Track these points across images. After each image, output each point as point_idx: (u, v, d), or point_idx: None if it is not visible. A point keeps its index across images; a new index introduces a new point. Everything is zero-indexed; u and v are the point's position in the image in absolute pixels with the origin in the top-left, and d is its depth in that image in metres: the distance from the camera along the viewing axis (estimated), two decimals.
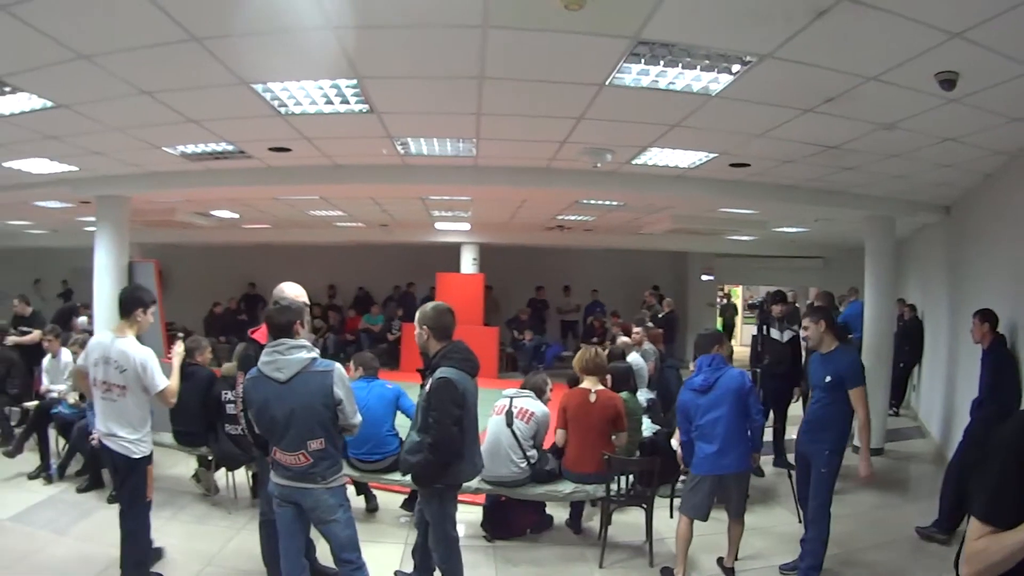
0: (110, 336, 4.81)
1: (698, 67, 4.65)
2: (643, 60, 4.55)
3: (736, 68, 4.62)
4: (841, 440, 5.29)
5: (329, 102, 5.79)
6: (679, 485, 6.05)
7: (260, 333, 4.56)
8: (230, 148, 7.57)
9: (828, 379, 5.28)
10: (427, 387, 4.26)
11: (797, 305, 10.40)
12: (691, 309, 18.93)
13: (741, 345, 19.35)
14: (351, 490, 6.47)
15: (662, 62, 4.59)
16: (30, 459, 7.60)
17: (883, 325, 9.45)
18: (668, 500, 6.20)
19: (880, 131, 5.89)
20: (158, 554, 5.35)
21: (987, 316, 6.33)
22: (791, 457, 6.61)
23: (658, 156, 7.60)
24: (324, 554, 4.46)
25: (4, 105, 5.75)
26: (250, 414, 4.18)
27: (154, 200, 10.79)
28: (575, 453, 5.93)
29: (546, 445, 6.14)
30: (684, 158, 7.64)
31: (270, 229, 16.30)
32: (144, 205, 10.83)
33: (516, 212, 13.03)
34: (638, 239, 16.31)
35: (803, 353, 7.67)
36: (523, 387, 6.20)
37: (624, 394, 6.46)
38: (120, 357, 4.67)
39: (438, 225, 15.40)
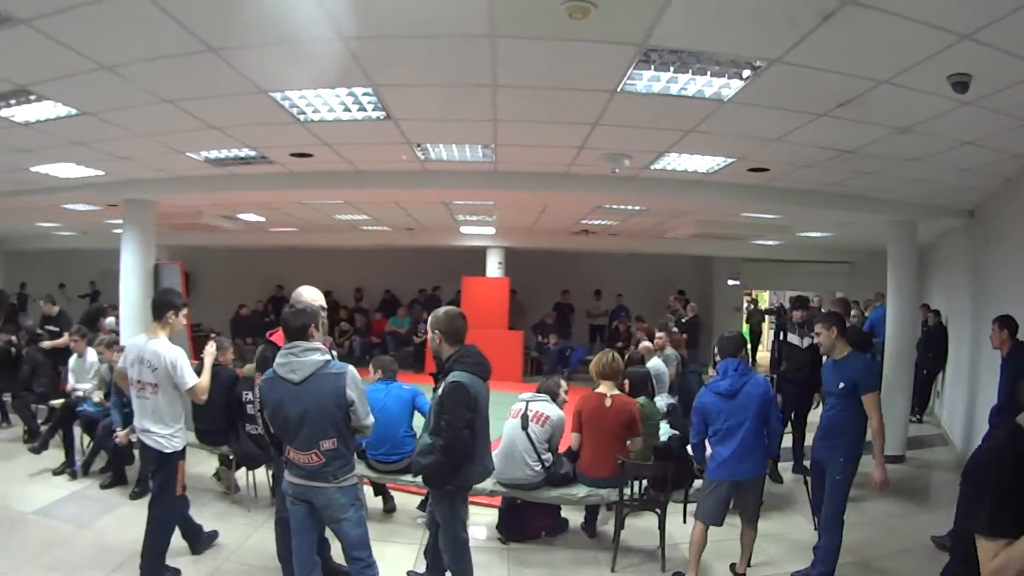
0: (144, 338, 5.11)
1: (708, 72, 4.68)
2: (653, 66, 4.60)
3: (746, 73, 4.64)
4: (856, 447, 5.25)
5: (347, 109, 5.89)
6: (692, 490, 6.06)
7: (278, 335, 4.64)
8: (253, 154, 7.71)
9: (841, 385, 5.25)
10: (440, 391, 4.31)
11: (823, 310, 10.34)
12: (717, 314, 18.86)
13: (767, 350, 19.21)
14: (369, 490, 6.59)
15: (672, 68, 4.63)
16: (55, 456, 7.76)
17: (906, 330, 9.36)
18: (682, 505, 6.22)
19: (896, 135, 5.86)
20: (212, 536, 5.70)
21: (1006, 323, 6.26)
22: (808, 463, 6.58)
23: (676, 161, 7.62)
24: (338, 553, 4.52)
25: (30, 112, 5.94)
26: (265, 414, 4.27)
27: (180, 204, 10.95)
28: (589, 457, 5.95)
29: (562, 449, 6.17)
30: (702, 163, 7.65)
31: (297, 232, 16.46)
32: (171, 208, 10.99)
33: (539, 216, 13.09)
34: (663, 243, 16.26)
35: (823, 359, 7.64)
36: (538, 391, 6.24)
37: (641, 399, 6.46)
38: (152, 357, 4.96)
39: (463, 229, 15.46)
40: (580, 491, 5.92)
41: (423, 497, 6.60)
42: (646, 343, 9.54)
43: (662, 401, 7.95)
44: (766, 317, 23.90)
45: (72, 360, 8.39)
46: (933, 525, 6.23)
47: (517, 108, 5.81)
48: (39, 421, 8.78)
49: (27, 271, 18.95)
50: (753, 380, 5.14)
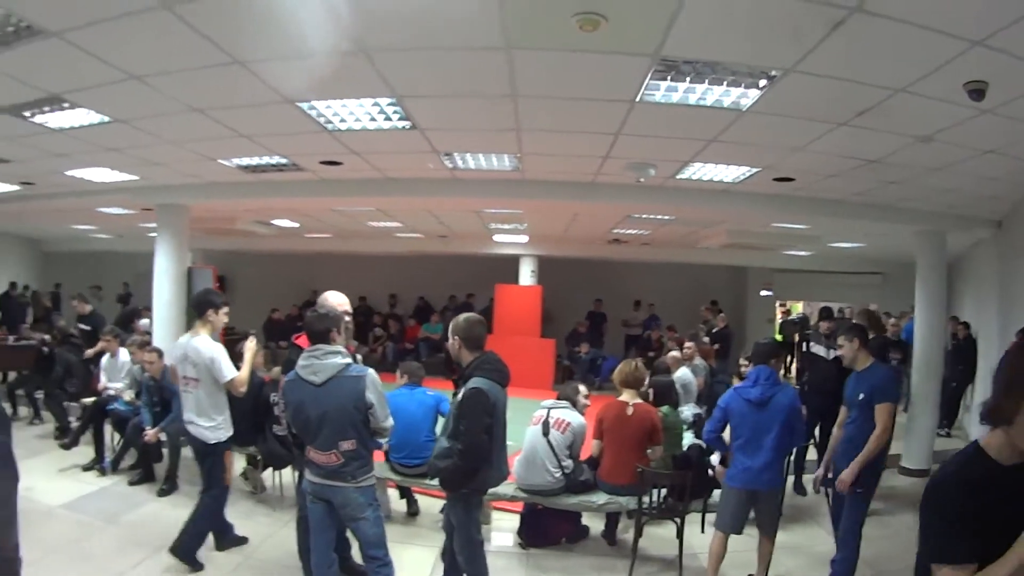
0: (187, 336, 5.49)
1: (724, 82, 4.72)
2: (669, 77, 4.65)
3: (763, 83, 4.67)
4: (876, 461, 5.23)
5: (373, 119, 6.01)
6: (711, 500, 6.06)
7: (303, 338, 4.77)
8: (283, 161, 7.86)
9: (861, 396, 5.22)
10: (459, 396, 4.38)
11: (855, 322, 10.26)
12: (749, 325, 18.72)
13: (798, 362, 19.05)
14: (394, 493, 6.68)
15: (688, 78, 4.67)
16: (85, 452, 7.95)
17: (933, 342, 9.24)
18: (700, 515, 6.22)
19: (917, 144, 5.84)
20: (241, 541, 5.83)
21: None
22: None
23: (701, 171, 7.64)
24: (358, 553, 4.64)
25: (64, 119, 6.15)
26: (287, 414, 4.39)
27: (214, 208, 11.12)
28: (610, 464, 5.99)
29: (583, 456, 6.21)
30: (727, 173, 7.66)
31: (331, 238, 16.62)
32: (204, 213, 11.17)
33: (570, 225, 13.14)
34: (696, 253, 16.20)
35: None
36: (558, 398, 6.29)
37: (664, 408, 6.49)
38: (193, 353, 5.33)
39: (496, 237, 15.54)
40: (600, 498, 5.95)
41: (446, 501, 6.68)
42: (674, 353, 9.55)
43: (689, 411, 7.97)
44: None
45: (104, 360, 8.59)
46: None
47: (539, 118, 5.89)
48: (71, 419, 8.97)
49: (64, 272, 19.33)
50: (783, 392, 5.13)
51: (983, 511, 1.94)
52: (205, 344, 5.34)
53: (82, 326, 10.84)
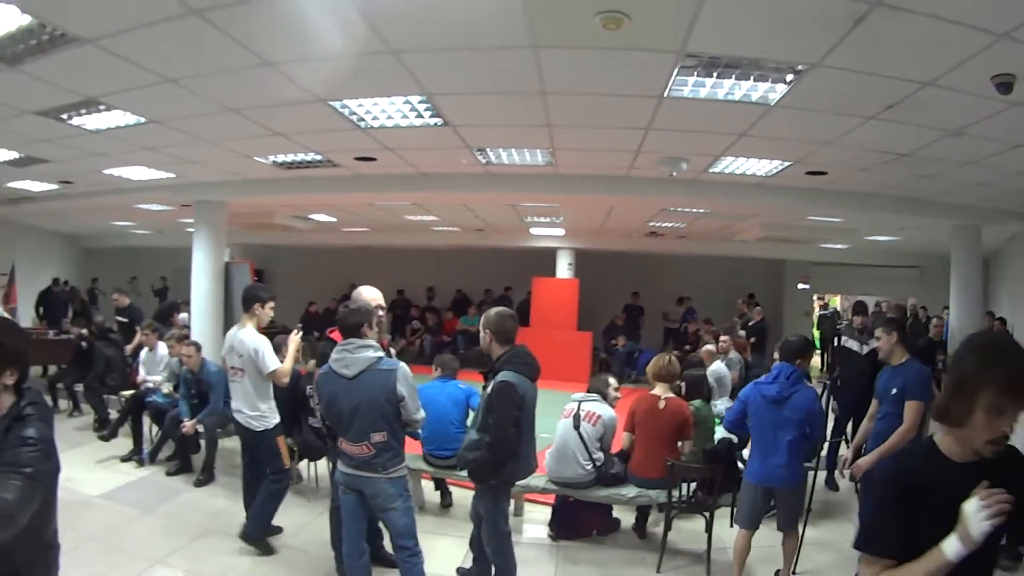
0: (235, 328, 5.68)
1: (751, 77, 4.75)
2: (696, 72, 4.68)
3: (790, 77, 4.69)
4: None
5: (404, 116, 6.11)
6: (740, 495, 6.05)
7: (337, 333, 4.86)
8: (318, 158, 7.99)
9: (894, 391, 5.16)
10: (488, 389, 4.45)
11: (891, 316, 10.15)
12: (787, 318, 18.54)
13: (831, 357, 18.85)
14: (429, 485, 6.76)
15: (715, 74, 4.70)
16: (123, 444, 8.09)
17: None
18: (730, 509, 6.22)
19: (948, 138, 5.81)
20: (275, 531, 5.87)
21: None
22: None
23: (733, 164, 7.66)
24: (388, 543, 4.70)
25: (100, 121, 6.36)
26: (320, 406, 4.48)
27: (252, 204, 11.33)
28: (640, 457, 5.99)
29: (615, 449, 6.24)
30: (760, 166, 7.67)
31: (368, 232, 16.81)
32: (242, 208, 11.38)
33: (606, 218, 13.18)
34: (733, 246, 16.17)
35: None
36: (589, 391, 6.32)
37: (696, 402, 6.48)
38: (239, 345, 5.54)
39: (533, 230, 15.59)
40: (630, 491, 5.96)
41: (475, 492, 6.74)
42: (709, 346, 9.52)
43: (722, 405, 7.93)
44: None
45: (143, 353, 8.74)
46: None
47: (569, 114, 5.95)
48: (110, 411, 9.14)
49: (103, 267, 19.71)
50: (802, 393, 4.98)
51: (922, 507, 1.93)
52: (250, 336, 5.53)
53: (120, 319, 11.12)
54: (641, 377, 14.21)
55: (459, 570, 5.36)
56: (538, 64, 4.65)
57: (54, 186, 10.27)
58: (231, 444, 7.86)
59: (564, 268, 16.90)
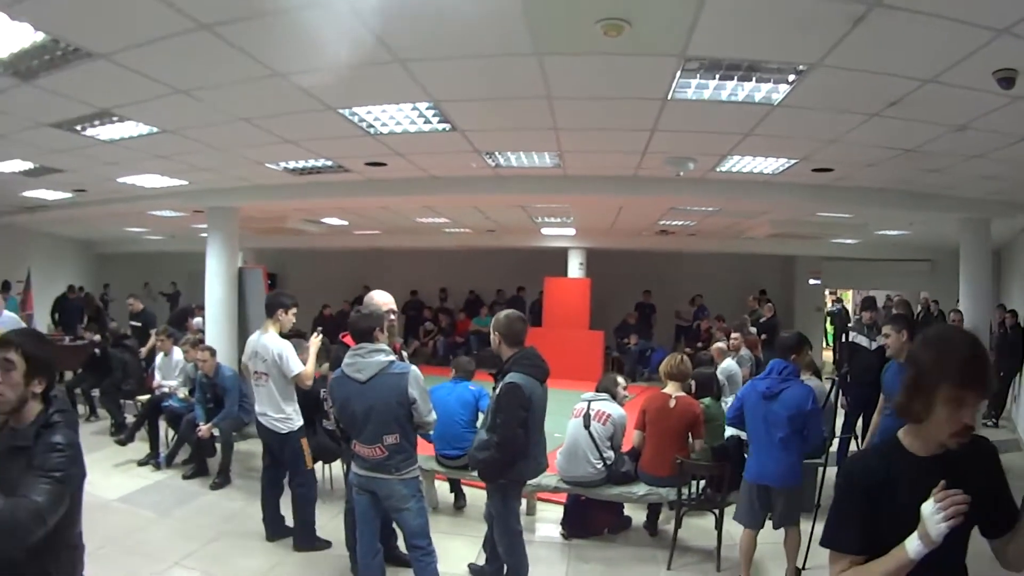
0: (257, 334, 5.89)
1: (754, 78, 4.79)
2: (698, 75, 4.74)
3: (791, 78, 4.73)
4: None
5: (413, 123, 6.20)
6: None
7: (349, 337, 4.94)
8: (329, 163, 8.09)
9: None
10: (497, 390, 4.54)
11: (900, 312, 10.13)
12: (798, 314, 18.54)
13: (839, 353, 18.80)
14: (444, 486, 6.83)
15: (717, 76, 4.75)
16: (140, 448, 8.22)
17: (978, 331, 9.06)
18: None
19: (953, 132, 5.83)
20: (290, 532, 5.95)
21: None
22: None
23: (740, 163, 7.70)
24: (402, 543, 4.76)
25: (114, 131, 6.47)
26: (334, 410, 4.56)
27: (265, 209, 11.40)
28: (651, 455, 6.04)
29: (625, 447, 6.30)
30: (766, 164, 7.71)
31: (380, 235, 16.87)
32: (255, 213, 11.49)
33: (616, 217, 13.22)
34: (743, 243, 16.17)
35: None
36: (597, 390, 6.38)
37: (706, 400, 6.51)
38: (262, 349, 5.73)
39: (544, 230, 15.63)
40: (640, 489, 6.01)
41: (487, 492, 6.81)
42: (719, 344, 9.55)
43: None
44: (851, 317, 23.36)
45: (158, 358, 8.85)
46: None
47: (575, 117, 6.02)
48: (127, 416, 9.25)
49: (117, 273, 19.86)
50: (791, 390, 4.99)
51: (888, 504, 1.97)
52: (273, 341, 5.72)
53: (134, 323, 11.27)
54: (654, 375, 14.24)
55: (471, 566, 5.45)
56: (542, 70, 4.72)
57: (68, 194, 10.41)
58: (246, 447, 7.99)
59: (575, 267, 16.93)
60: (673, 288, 18.66)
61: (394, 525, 4.89)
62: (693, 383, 6.59)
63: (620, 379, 6.54)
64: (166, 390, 8.45)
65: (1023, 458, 9.17)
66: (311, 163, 8.10)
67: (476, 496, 6.85)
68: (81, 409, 10.17)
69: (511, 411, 4.38)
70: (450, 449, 6.41)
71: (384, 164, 8.05)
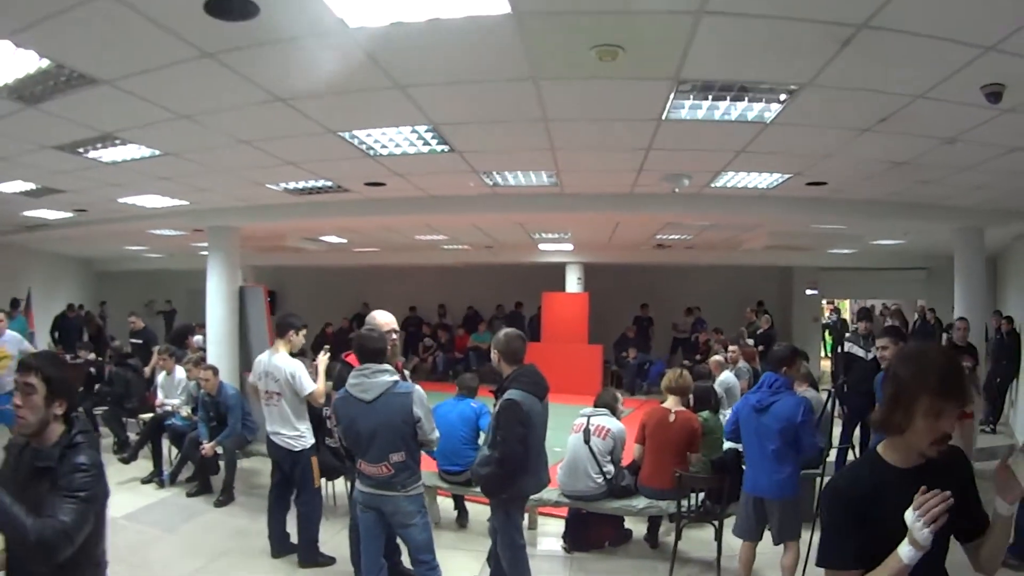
0: (267, 354, 5.96)
1: (746, 98, 4.89)
2: (692, 96, 4.84)
3: (783, 97, 4.83)
4: None
5: (412, 144, 6.30)
6: None
7: (352, 357, 5.00)
8: (329, 184, 8.18)
9: None
10: (496, 407, 4.61)
11: (894, 324, 10.17)
12: (796, 325, 18.62)
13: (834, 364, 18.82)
14: (448, 503, 6.89)
15: (710, 96, 4.85)
16: (143, 466, 8.24)
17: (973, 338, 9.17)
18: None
19: (943, 145, 5.90)
20: (296, 549, 5.99)
21: None
22: None
23: (735, 179, 7.79)
24: (406, 558, 4.85)
25: (116, 154, 6.56)
26: (339, 430, 4.64)
27: (264, 227, 11.48)
28: (650, 469, 6.10)
29: (625, 461, 6.36)
30: (761, 179, 7.80)
31: (379, 252, 16.94)
32: (255, 231, 11.55)
33: (613, 232, 13.29)
34: (741, 255, 16.20)
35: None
36: (596, 405, 6.44)
37: (704, 413, 6.57)
38: (274, 370, 5.79)
39: (542, 246, 15.70)
40: (640, 502, 6.07)
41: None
42: (717, 357, 9.60)
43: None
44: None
45: (161, 377, 8.88)
46: None
47: (571, 138, 6.12)
48: (130, 434, 9.26)
49: (117, 291, 19.86)
50: (782, 402, 4.98)
51: (875, 516, 2.04)
52: (285, 361, 5.80)
53: (135, 341, 11.32)
54: (652, 388, 14.32)
55: None
56: (539, 94, 4.82)
57: (69, 214, 10.47)
58: (250, 465, 8.04)
59: (573, 282, 16.99)
60: (671, 301, 18.72)
61: (398, 540, 4.95)
62: (691, 396, 6.66)
63: (618, 394, 6.61)
64: (169, 408, 8.49)
65: (1020, 463, 9.17)
66: (311, 183, 8.18)
67: (479, 511, 6.91)
68: None
69: (510, 427, 4.46)
70: (452, 465, 6.47)
71: (383, 184, 8.14)
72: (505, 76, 4.49)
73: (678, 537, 5.88)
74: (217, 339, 10.02)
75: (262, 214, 9.82)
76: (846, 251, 15.51)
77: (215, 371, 7.76)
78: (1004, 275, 12.72)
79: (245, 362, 9.71)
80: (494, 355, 4.75)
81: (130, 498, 7.45)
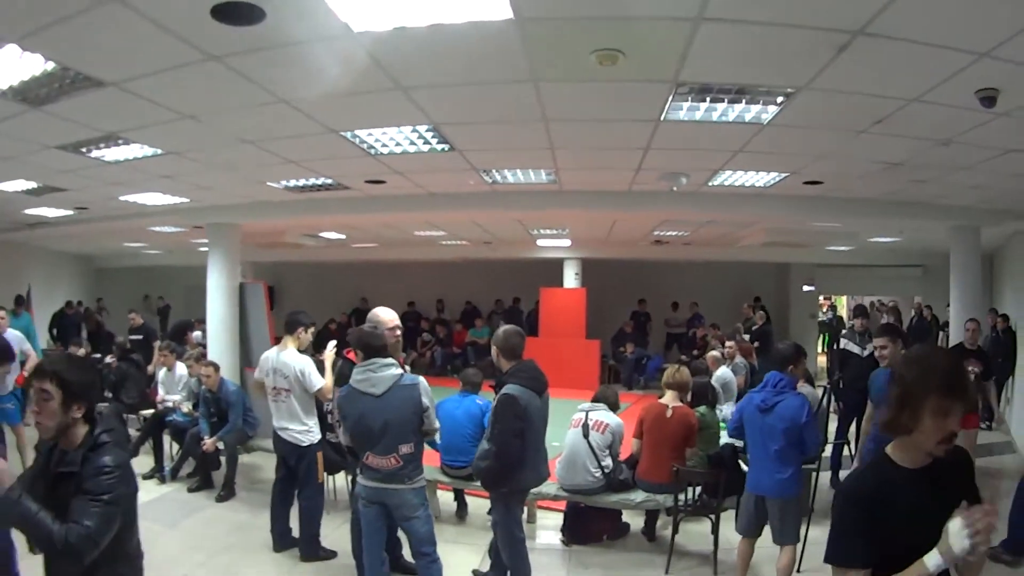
0: (275, 351, 6.05)
1: (743, 100, 4.96)
2: (690, 98, 4.91)
3: (780, 99, 4.89)
4: None
5: (412, 143, 6.36)
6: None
7: (353, 353, 5.07)
8: (329, 181, 8.25)
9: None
10: (494, 402, 4.69)
11: (891, 322, 10.23)
12: (793, 321, 18.73)
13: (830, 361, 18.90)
14: (448, 496, 6.97)
15: (708, 99, 4.92)
16: (145, 462, 8.24)
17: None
18: (735, 512, 6.36)
19: (938, 147, 5.97)
20: (297, 543, 6.04)
21: None
22: None
23: (732, 177, 7.85)
24: (407, 551, 4.93)
25: (119, 153, 6.60)
26: (346, 426, 4.66)
27: (264, 224, 11.50)
28: (648, 463, 6.17)
29: (623, 455, 6.42)
30: (758, 178, 7.86)
31: (378, 247, 16.96)
32: (255, 228, 11.61)
33: (611, 229, 13.35)
34: (738, 251, 16.20)
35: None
36: (595, 400, 6.51)
37: (701, 408, 6.63)
38: (282, 366, 5.88)
39: (540, 242, 15.74)
40: (638, 496, 6.13)
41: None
42: (713, 352, 9.67)
43: (728, 409, 8.07)
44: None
45: (162, 373, 8.91)
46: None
47: (571, 137, 6.20)
48: (130, 429, 9.25)
49: (116, 287, 19.92)
50: (786, 402, 4.95)
51: (884, 516, 2.09)
52: (293, 357, 5.88)
53: (134, 337, 11.38)
54: (650, 383, 14.38)
55: (476, 572, 5.58)
56: (539, 96, 4.89)
57: (70, 212, 10.50)
58: (251, 460, 8.10)
59: (571, 278, 17.04)
60: (669, 296, 18.81)
61: (399, 534, 5.01)
62: (689, 392, 6.72)
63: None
64: (170, 404, 8.52)
65: (1016, 460, 9.29)
66: (312, 181, 8.24)
67: (478, 505, 7.00)
68: None
69: (506, 421, 4.53)
70: (456, 460, 6.54)
71: (383, 182, 8.20)
72: (506, 79, 4.56)
73: (675, 530, 5.96)
74: (217, 335, 10.06)
75: (263, 211, 9.87)
76: (843, 248, 15.53)
77: (216, 367, 7.81)
78: (1000, 273, 12.78)
79: (245, 358, 9.79)
80: (493, 351, 4.83)
81: None
